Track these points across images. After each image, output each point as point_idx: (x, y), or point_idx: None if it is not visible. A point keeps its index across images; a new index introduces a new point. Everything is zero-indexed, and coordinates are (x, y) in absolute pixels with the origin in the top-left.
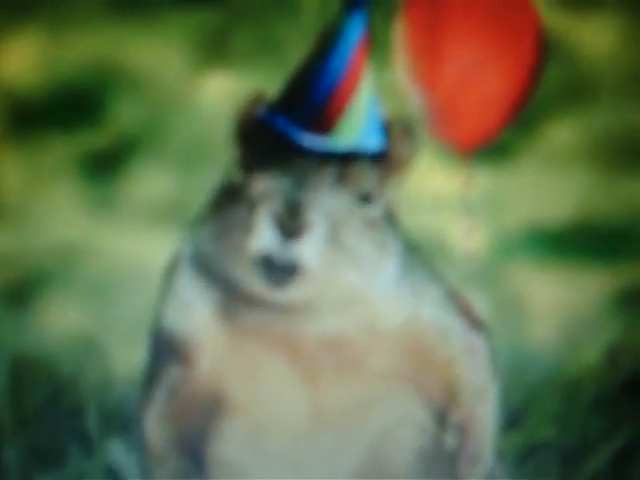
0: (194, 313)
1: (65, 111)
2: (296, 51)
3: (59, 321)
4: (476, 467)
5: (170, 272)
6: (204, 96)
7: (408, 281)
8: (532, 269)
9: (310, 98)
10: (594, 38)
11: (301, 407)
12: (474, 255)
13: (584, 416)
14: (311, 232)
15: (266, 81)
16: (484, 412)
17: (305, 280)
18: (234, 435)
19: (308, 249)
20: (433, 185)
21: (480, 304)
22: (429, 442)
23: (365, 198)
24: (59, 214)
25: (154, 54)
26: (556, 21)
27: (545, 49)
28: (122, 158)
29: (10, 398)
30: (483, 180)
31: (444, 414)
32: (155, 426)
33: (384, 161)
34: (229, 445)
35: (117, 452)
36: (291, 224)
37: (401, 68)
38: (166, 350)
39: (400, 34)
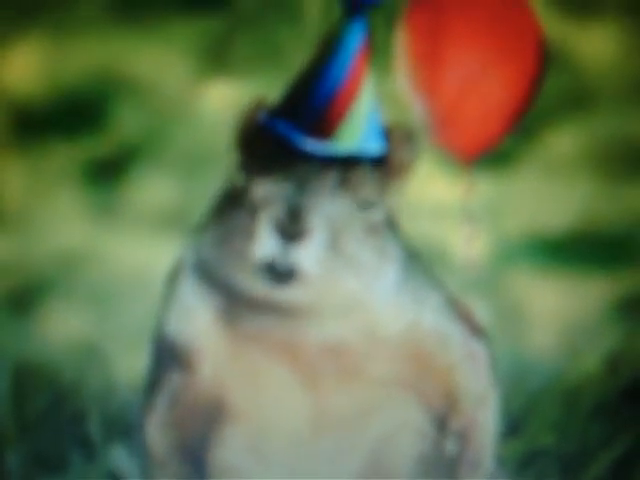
0: (196, 320)
1: (68, 118)
2: (298, 59)
3: (61, 328)
4: (476, 473)
5: (172, 279)
6: (206, 104)
7: (408, 288)
8: (533, 276)
9: (311, 103)
10: (595, 46)
11: (302, 413)
12: (475, 262)
13: (584, 423)
14: (311, 237)
15: (268, 88)
16: (484, 419)
17: (304, 284)
18: (235, 441)
19: (308, 254)
20: (434, 192)
21: (481, 311)
22: (429, 448)
23: (366, 203)
24: (62, 221)
25: (156, 62)
26: (557, 29)
27: (546, 57)
28: (124, 165)
29: (12, 404)
30: (484, 187)
31: (444, 420)
32: (157, 432)
33: (385, 166)
34: (230, 451)
35: (119, 458)
36: (292, 228)
37: (402, 75)
38: (168, 357)
39: (401, 41)
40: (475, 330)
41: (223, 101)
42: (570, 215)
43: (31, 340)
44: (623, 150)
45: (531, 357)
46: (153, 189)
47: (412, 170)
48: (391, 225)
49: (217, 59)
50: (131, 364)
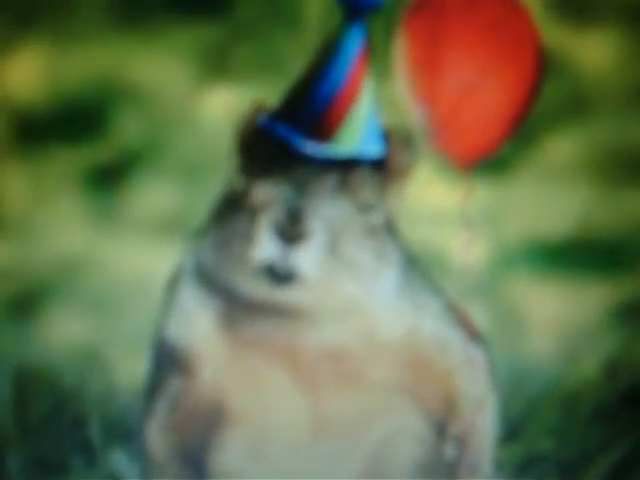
0: (196, 325)
1: (69, 125)
2: (297, 66)
3: (62, 333)
4: (475, 478)
5: (172, 284)
6: (206, 110)
7: (408, 293)
8: (531, 282)
9: (311, 106)
10: (594, 52)
11: (301, 417)
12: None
13: (583, 428)
14: (311, 239)
15: (268, 95)
16: (483, 423)
17: (304, 287)
18: (235, 445)
19: (308, 256)
20: (433, 198)
21: (479, 317)
22: (428, 453)
23: (365, 205)
24: (63, 227)
25: (157, 69)
26: (556, 35)
27: (545, 63)
28: (125, 171)
29: (14, 409)
30: (483, 193)
31: (443, 425)
32: (157, 436)
33: (384, 169)
34: (230, 455)
35: (119, 462)
36: (292, 231)
37: (401, 80)
38: (168, 361)
39: (400, 47)
40: (474, 335)
41: (223, 108)
42: (569, 221)
43: (32, 345)
44: (622, 156)
45: (530, 362)
46: (153, 195)
47: (411, 173)
48: (390, 229)
49: (217, 66)
50: (131, 369)
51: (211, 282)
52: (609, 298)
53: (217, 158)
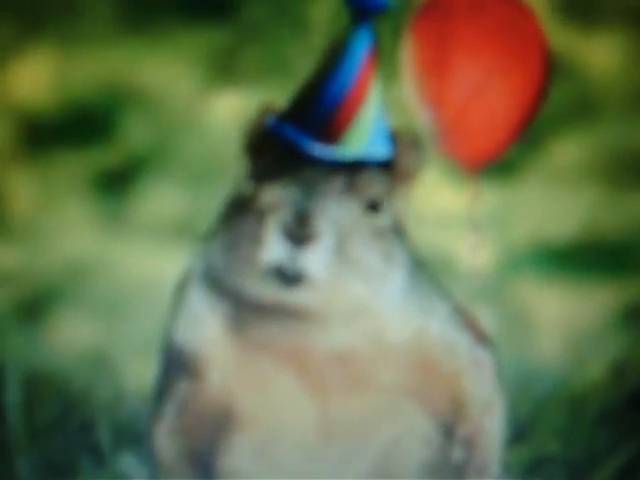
0: (204, 328)
1: (76, 130)
2: (305, 69)
3: (71, 337)
4: (483, 479)
5: (180, 288)
6: (214, 114)
7: (415, 295)
8: (538, 285)
9: (318, 108)
10: (600, 55)
11: (310, 420)
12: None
13: (590, 430)
14: (319, 241)
15: (276, 98)
16: (491, 425)
17: (312, 288)
18: (244, 448)
19: (316, 257)
20: (440, 201)
21: (486, 319)
22: (436, 455)
23: (373, 206)
24: (71, 231)
25: (164, 73)
26: (563, 38)
27: (551, 66)
28: (133, 175)
29: (23, 413)
30: (490, 196)
31: (451, 427)
32: (166, 440)
33: (391, 171)
34: (239, 458)
35: (128, 466)
36: (300, 232)
37: (408, 84)
38: (176, 365)
39: (407, 50)
40: (481, 337)
41: (231, 112)
42: (575, 224)
43: (41, 349)
44: (628, 159)
45: (537, 364)
46: (161, 199)
47: (419, 175)
48: (398, 232)
49: (224, 70)
50: (140, 372)
51: (219, 285)
52: (616, 300)
53: (225, 162)
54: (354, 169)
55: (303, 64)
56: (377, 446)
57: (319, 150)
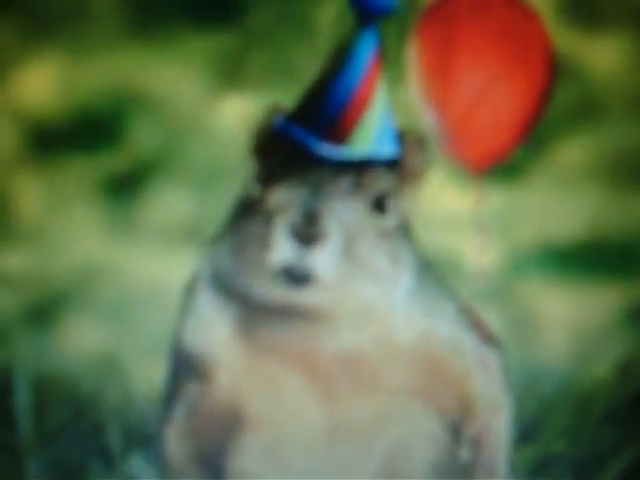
0: (212, 331)
1: (85, 134)
2: (311, 72)
3: (80, 340)
4: (490, 479)
5: (189, 291)
6: (221, 118)
7: (422, 296)
8: (543, 285)
9: (326, 109)
10: (604, 58)
11: (318, 421)
12: (486, 271)
13: (595, 429)
14: (327, 240)
15: (282, 101)
16: (498, 425)
17: (321, 288)
18: (253, 449)
19: (324, 257)
20: (446, 203)
21: (492, 319)
22: (444, 455)
23: (380, 206)
24: (79, 235)
25: (172, 77)
26: (567, 41)
27: (555, 68)
28: (141, 180)
29: (33, 416)
30: (495, 198)
31: (459, 427)
32: (175, 442)
33: (398, 171)
34: (248, 459)
35: (138, 468)
36: (308, 232)
37: (413, 87)
38: (185, 367)
39: (412, 53)
40: (487, 338)
41: (238, 115)
42: (580, 224)
43: (50, 353)
44: (632, 160)
45: (543, 364)
46: (169, 203)
47: (425, 175)
48: (405, 233)
49: (231, 74)
50: (149, 375)
51: (227, 287)
52: (620, 300)
53: (232, 165)
54: (361, 169)
55: (309, 67)
56: (385, 446)
57: (326, 150)
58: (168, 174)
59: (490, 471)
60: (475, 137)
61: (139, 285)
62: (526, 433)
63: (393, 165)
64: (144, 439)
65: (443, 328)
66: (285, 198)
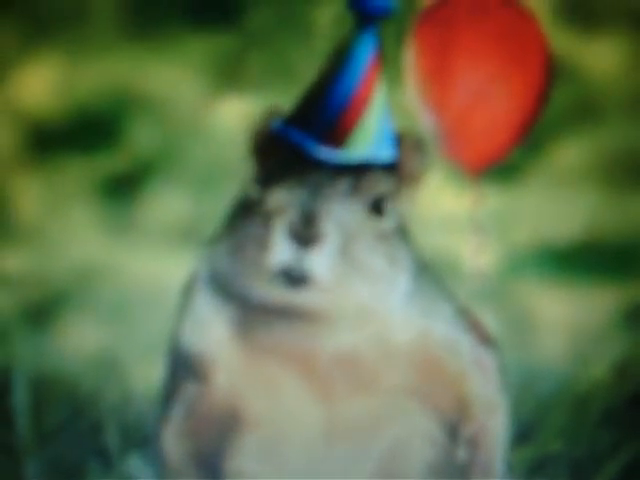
0: (211, 331)
1: (83, 135)
2: (309, 74)
3: (78, 341)
4: (487, 479)
5: (187, 291)
6: (219, 119)
7: (419, 297)
8: (541, 286)
9: (324, 112)
10: (601, 59)
11: (316, 421)
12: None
13: (593, 430)
14: (325, 242)
15: (281, 103)
16: (495, 425)
17: (318, 289)
18: (250, 449)
19: (322, 258)
20: (443, 204)
21: (490, 320)
22: (441, 455)
23: (377, 208)
24: (77, 236)
25: (170, 79)
26: (564, 42)
27: (553, 70)
28: (139, 180)
29: (31, 416)
30: (492, 199)
31: (455, 427)
32: (173, 442)
33: (396, 173)
34: (246, 459)
35: (136, 468)
36: (306, 233)
37: (411, 88)
38: (183, 368)
39: (410, 55)
40: (484, 339)
41: (236, 116)
42: (577, 226)
43: (49, 353)
44: (629, 162)
45: (540, 364)
46: (168, 204)
47: (423, 177)
48: (402, 235)
49: (230, 75)
50: (147, 375)
51: (226, 288)
52: (617, 301)
53: (231, 166)
54: (359, 171)
55: (308, 69)
56: (382, 446)
57: (324, 153)
58: (167, 175)
59: (487, 471)
60: (472, 138)
61: (138, 285)
62: (523, 433)
63: (391, 167)
64: (142, 439)
65: (440, 329)
66: (283, 199)
